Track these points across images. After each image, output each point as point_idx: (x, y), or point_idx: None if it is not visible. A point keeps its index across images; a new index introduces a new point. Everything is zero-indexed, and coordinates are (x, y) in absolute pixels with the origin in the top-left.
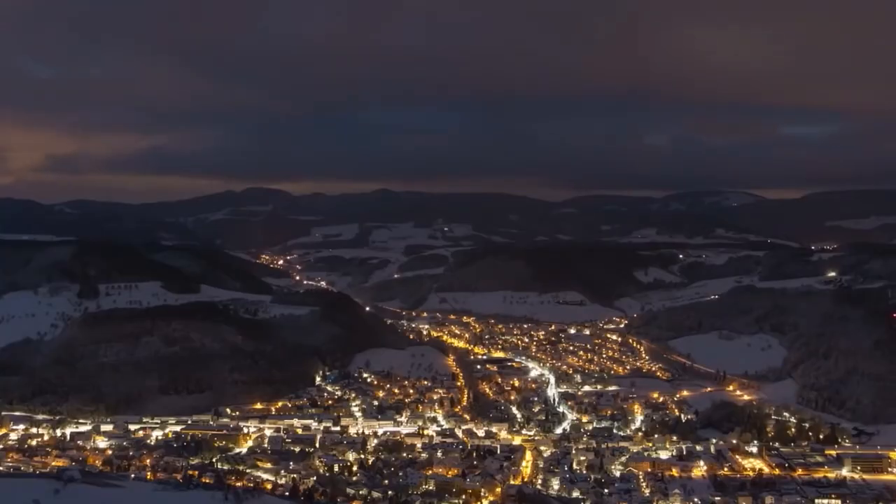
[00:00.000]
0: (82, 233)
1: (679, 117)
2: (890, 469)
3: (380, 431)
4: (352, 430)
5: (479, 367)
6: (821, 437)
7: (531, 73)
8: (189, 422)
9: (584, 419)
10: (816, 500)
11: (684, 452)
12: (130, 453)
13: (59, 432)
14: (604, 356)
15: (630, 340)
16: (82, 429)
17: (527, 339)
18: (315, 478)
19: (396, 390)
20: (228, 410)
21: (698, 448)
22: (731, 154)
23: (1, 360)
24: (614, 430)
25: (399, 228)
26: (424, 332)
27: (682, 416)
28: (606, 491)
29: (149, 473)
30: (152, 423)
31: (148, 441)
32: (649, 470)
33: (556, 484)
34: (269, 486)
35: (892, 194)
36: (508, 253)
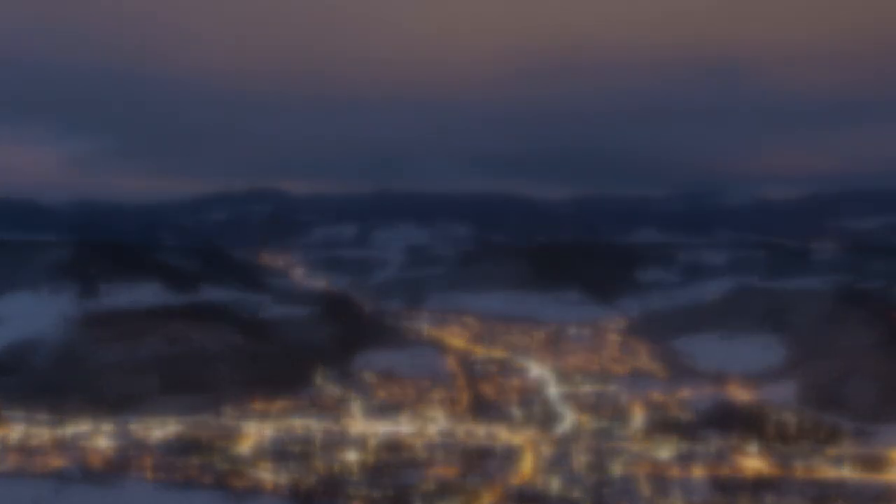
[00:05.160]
0: (82, 233)
1: None
2: (890, 469)
3: (380, 431)
4: (352, 430)
5: (479, 367)
6: (821, 437)
7: None
8: (189, 422)
9: (584, 419)
10: (816, 501)
11: (684, 452)
12: (130, 453)
13: (59, 432)
14: (604, 356)
15: (630, 340)
16: (82, 429)
17: (527, 339)
18: (315, 478)
19: (396, 390)
20: (228, 410)
21: (698, 448)
22: None
23: (1, 360)
24: (614, 430)
25: (399, 228)
26: (424, 332)
27: (682, 416)
28: (606, 491)
29: (149, 473)
30: (152, 423)
31: (148, 441)
32: (649, 470)
33: (556, 484)
34: (269, 486)
35: (892, 194)
36: (508, 253)
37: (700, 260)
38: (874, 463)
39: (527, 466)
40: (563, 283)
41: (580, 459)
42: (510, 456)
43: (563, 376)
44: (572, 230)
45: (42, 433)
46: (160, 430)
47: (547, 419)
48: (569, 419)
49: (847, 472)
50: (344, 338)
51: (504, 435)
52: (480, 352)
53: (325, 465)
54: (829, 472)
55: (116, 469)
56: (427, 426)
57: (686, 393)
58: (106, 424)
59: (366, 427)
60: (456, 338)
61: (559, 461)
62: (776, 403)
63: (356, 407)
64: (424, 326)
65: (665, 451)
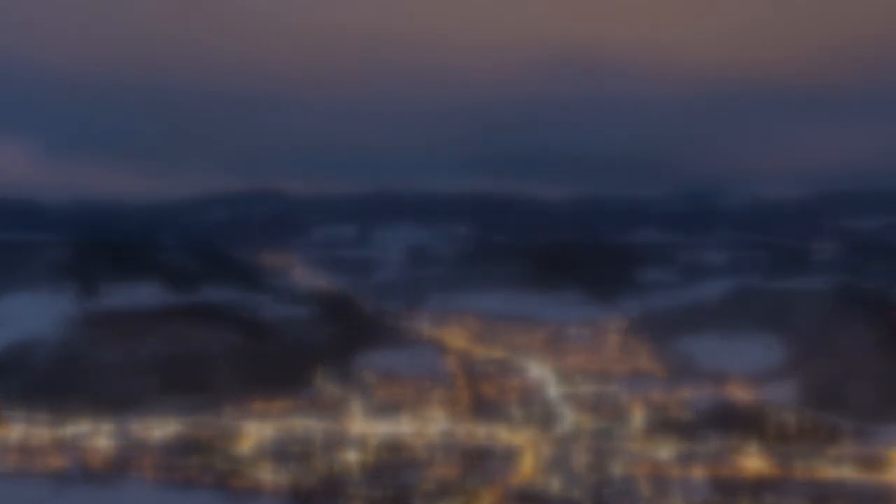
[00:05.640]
0: (82, 233)
1: None
2: (890, 469)
3: (380, 431)
4: (352, 430)
5: (479, 367)
6: (821, 437)
7: None
8: (189, 422)
9: (584, 419)
10: (816, 501)
11: (684, 452)
12: (130, 453)
13: (59, 432)
14: (604, 356)
15: (630, 340)
16: (82, 429)
17: (527, 339)
18: (315, 478)
19: (396, 390)
20: (228, 410)
21: (698, 448)
22: None
23: (1, 360)
24: (614, 430)
25: (399, 228)
26: (424, 332)
27: (682, 416)
28: (606, 491)
29: (149, 473)
30: (152, 423)
31: (148, 441)
32: (649, 470)
33: (556, 484)
34: (269, 486)
35: (892, 194)
36: (508, 253)
37: (700, 260)
38: (874, 463)
39: (527, 466)
40: (563, 283)
41: (580, 459)
42: (510, 456)
43: (563, 376)
44: (572, 230)
45: (42, 433)
46: (160, 430)
47: (547, 419)
48: (569, 419)
49: (847, 472)
50: (344, 338)
51: (504, 435)
52: (480, 352)
53: (325, 465)
54: (829, 472)
55: (116, 469)
56: (427, 426)
57: (686, 393)
58: (106, 424)
59: (366, 427)
60: (456, 338)
61: (559, 461)
62: (776, 403)
63: (356, 407)
64: (424, 326)
65: (665, 451)
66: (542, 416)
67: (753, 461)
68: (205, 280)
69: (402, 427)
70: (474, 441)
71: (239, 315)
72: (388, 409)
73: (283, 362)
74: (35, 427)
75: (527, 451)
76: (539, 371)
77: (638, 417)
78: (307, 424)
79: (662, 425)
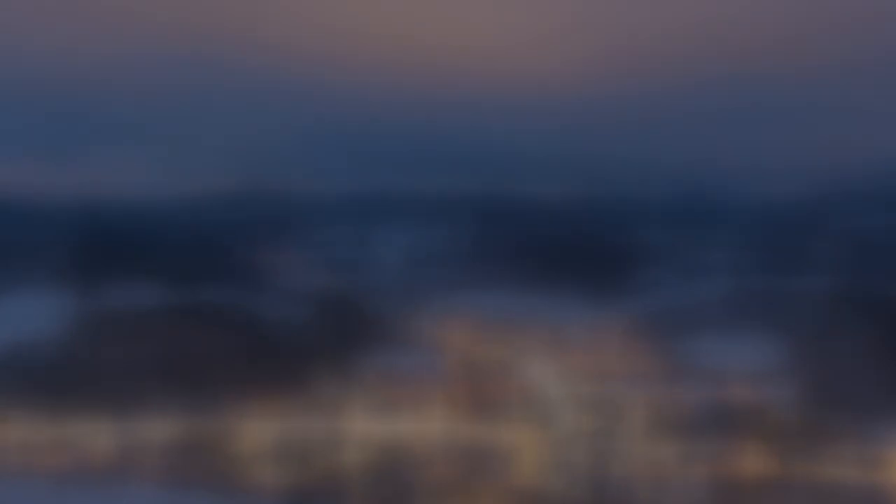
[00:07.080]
0: (82, 232)
1: None
2: (890, 469)
3: (380, 431)
4: (352, 430)
5: (479, 367)
6: (821, 437)
7: None
8: (189, 422)
9: (584, 419)
10: (816, 501)
11: (684, 452)
12: (130, 453)
13: (59, 432)
14: (604, 356)
15: (630, 340)
16: (82, 429)
17: (527, 339)
18: (315, 478)
19: (396, 390)
20: (228, 410)
21: (698, 448)
22: None
23: (1, 360)
24: (614, 430)
25: (399, 228)
26: (424, 332)
27: (682, 416)
28: (606, 491)
29: (149, 473)
30: (152, 423)
31: (148, 441)
32: (649, 470)
33: (556, 484)
34: (269, 486)
35: (892, 194)
36: (508, 253)
37: (700, 260)
38: (874, 463)
39: (527, 466)
40: (563, 283)
41: (580, 459)
42: (510, 456)
43: (563, 376)
44: (572, 230)
45: (42, 433)
46: (160, 430)
47: (547, 419)
48: (569, 419)
49: (847, 472)
50: (344, 338)
51: (504, 435)
52: (480, 352)
53: (325, 465)
54: (829, 472)
55: (116, 469)
56: (427, 426)
57: (686, 393)
58: (106, 424)
59: (366, 427)
60: (456, 338)
61: (559, 461)
62: (776, 403)
63: (356, 407)
64: (424, 326)
65: (665, 451)
66: (542, 416)
67: (753, 461)
68: (205, 280)
69: (402, 427)
70: (474, 441)
71: (239, 315)
72: (388, 409)
73: (283, 362)
74: (35, 427)
75: (527, 451)
76: (539, 371)
77: (638, 417)
78: (307, 424)
79: (662, 425)
